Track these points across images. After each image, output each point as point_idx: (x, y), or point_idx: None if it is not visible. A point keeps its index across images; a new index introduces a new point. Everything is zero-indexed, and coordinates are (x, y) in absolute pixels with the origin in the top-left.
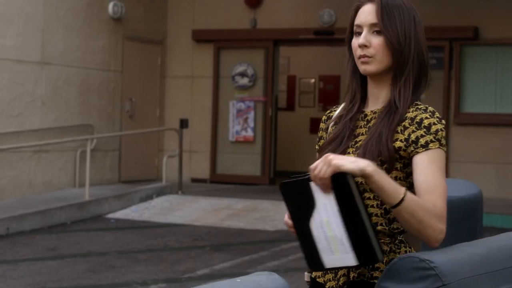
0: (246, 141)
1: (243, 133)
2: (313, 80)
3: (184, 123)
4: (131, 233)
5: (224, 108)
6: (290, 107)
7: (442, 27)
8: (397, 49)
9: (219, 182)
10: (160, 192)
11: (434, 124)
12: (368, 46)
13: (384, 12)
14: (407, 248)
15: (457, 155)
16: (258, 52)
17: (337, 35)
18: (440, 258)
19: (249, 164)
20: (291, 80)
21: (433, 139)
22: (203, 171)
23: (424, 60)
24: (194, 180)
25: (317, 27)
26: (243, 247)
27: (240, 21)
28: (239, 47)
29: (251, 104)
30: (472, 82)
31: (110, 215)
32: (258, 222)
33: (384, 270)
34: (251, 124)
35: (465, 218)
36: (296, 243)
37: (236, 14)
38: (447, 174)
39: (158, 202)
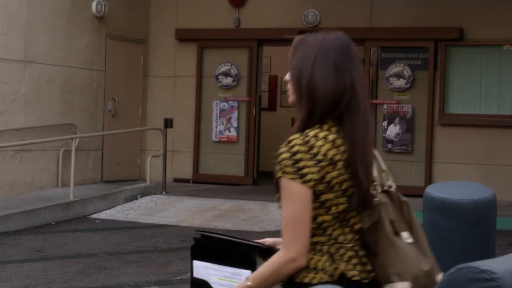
0: (230, 141)
1: (227, 133)
2: None
3: (168, 123)
4: (119, 234)
5: (208, 108)
6: (271, 107)
7: (427, 28)
8: (295, 84)
9: (202, 182)
10: (145, 192)
11: (281, 153)
12: (287, 81)
13: (293, 50)
14: None
15: (442, 156)
16: (242, 52)
17: None
18: (499, 268)
19: (233, 164)
20: (273, 80)
21: (278, 169)
22: (186, 171)
23: (316, 95)
24: (177, 180)
25: (302, 27)
26: None
27: (224, 20)
28: (223, 46)
29: (235, 104)
30: (457, 83)
31: (95, 216)
32: (245, 223)
33: (440, 281)
34: (235, 124)
35: (479, 222)
36: None
37: (220, 14)
38: (432, 175)
39: (143, 202)
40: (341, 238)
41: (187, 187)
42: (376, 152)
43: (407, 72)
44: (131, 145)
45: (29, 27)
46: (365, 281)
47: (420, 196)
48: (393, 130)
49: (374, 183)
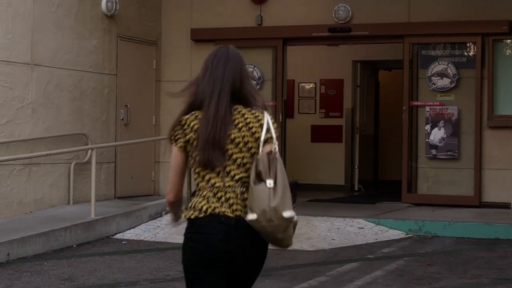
0: None
1: None
2: (313, 85)
3: None
4: (153, 257)
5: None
6: (289, 114)
7: (472, 21)
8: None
9: None
10: None
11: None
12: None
13: None
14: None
15: (492, 162)
16: (265, 52)
17: (354, 32)
18: None
19: None
20: (290, 85)
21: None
22: None
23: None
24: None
25: (332, 23)
26: (292, 271)
27: (245, 18)
28: (244, 47)
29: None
30: (507, 81)
31: (119, 236)
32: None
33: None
34: None
35: None
36: (351, 265)
37: (240, 11)
38: (482, 183)
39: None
40: (218, 184)
41: None
42: (267, 120)
43: (451, 70)
44: (144, 156)
45: (36, 26)
46: (230, 215)
47: (471, 206)
48: (437, 135)
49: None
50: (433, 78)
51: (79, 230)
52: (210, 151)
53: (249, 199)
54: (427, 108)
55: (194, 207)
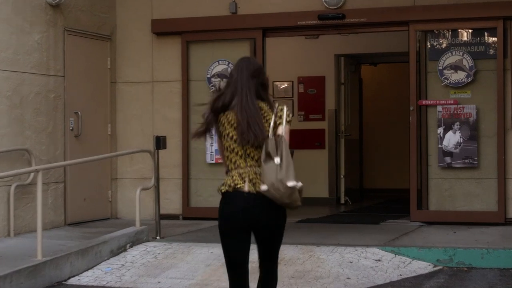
0: None
1: None
2: (290, 83)
3: (160, 142)
4: None
5: (198, 121)
6: None
7: (492, 3)
8: None
9: (196, 218)
10: (135, 240)
11: None
12: None
13: None
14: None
15: None
16: (242, 46)
17: (349, 19)
18: None
19: None
20: None
21: None
22: (173, 204)
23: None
24: (163, 217)
25: (322, 9)
26: None
27: (216, 5)
28: (216, 39)
29: None
30: None
31: (74, 280)
32: (297, 282)
33: None
34: None
35: None
36: None
37: None
38: (507, 196)
39: (136, 255)
40: (242, 165)
41: (184, 226)
42: (279, 109)
43: (467, 62)
44: (99, 173)
45: None
46: (251, 189)
47: (494, 224)
48: (452, 139)
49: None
50: (445, 71)
51: (22, 277)
52: (247, 135)
53: (262, 174)
54: (439, 108)
55: (225, 184)
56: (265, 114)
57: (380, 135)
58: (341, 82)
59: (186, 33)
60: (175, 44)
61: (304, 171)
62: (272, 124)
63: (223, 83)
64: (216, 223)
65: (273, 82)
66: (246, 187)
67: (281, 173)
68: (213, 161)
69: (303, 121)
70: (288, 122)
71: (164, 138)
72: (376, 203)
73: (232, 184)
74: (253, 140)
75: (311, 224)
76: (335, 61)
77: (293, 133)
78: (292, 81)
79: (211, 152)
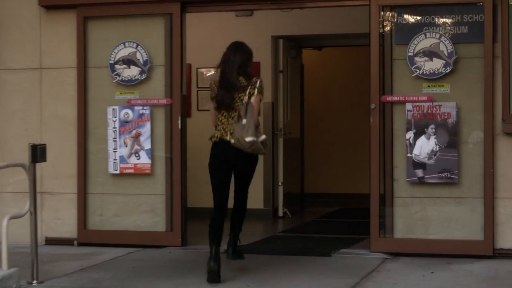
0: (139, 174)
1: (133, 160)
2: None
3: (37, 153)
4: None
5: (99, 119)
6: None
7: None
8: None
9: (96, 244)
10: None
11: None
12: None
13: None
14: None
15: (510, 186)
16: (154, 23)
17: None
18: None
19: (146, 212)
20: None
21: None
22: (67, 226)
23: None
24: (52, 241)
25: None
26: None
27: None
28: (122, 15)
29: (146, 110)
30: None
31: None
32: None
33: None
34: (146, 144)
35: None
36: None
37: None
38: (495, 220)
39: None
40: (225, 122)
41: (78, 259)
42: (255, 82)
43: (445, 47)
44: None
45: None
46: (229, 139)
47: (479, 257)
48: (425, 147)
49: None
50: (416, 59)
51: None
52: (223, 101)
53: (233, 131)
54: (409, 106)
55: (214, 136)
56: (245, 87)
57: (326, 133)
58: (279, 70)
59: (83, 6)
60: (70, 20)
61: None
62: (247, 93)
63: (216, 75)
64: (122, 251)
65: (197, 68)
66: (228, 138)
67: (243, 131)
68: (117, 171)
69: None
70: (259, 92)
71: (43, 147)
72: (321, 215)
73: (219, 135)
74: (226, 107)
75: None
76: (272, 44)
77: None
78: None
79: (115, 159)
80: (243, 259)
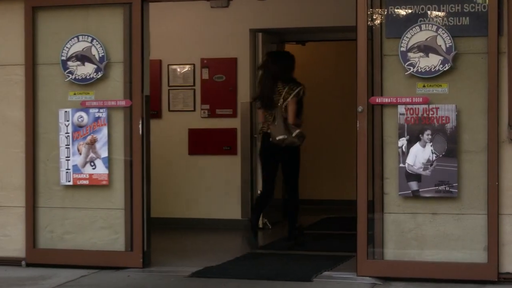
0: (95, 185)
1: (88, 169)
2: (191, 67)
3: None
4: None
5: (50, 124)
6: (154, 112)
7: None
8: None
9: (47, 265)
10: None
11: None
12: None
13: None
14: None
15: None
16: (112, 14)
17: None
18: None
19: (103, 228)
20: (154, 68)
21: None
22: (13, 244)
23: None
24: None
25: None
26: None
27: None
28: (75, 5)
29: (102, 113)
30: None
31: None
32: None
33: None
34: (103, 152)
35: None
36: None
37: None
38: (501, 240)
39: None
40: (268, 120)
41: (21, 284)
42: (292, 89)
43: (443, 41)
44: None
45: None
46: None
47: (482, 282)
48: (419, 156)
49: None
50: (410, 55)
51: None
52: (263, 104)
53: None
54: (401, 109)
55: (261, 130)
56: (281, 92)
57: (310, 136)
58: (258, 67)
59: None
60: (16, 11)
61: (210, 184)
62: (282, 97)
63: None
64: (75, 274)
65: (168, 65)
66: (271, 132)
67: (275, 131)
68: (70, 182)
69: (207, 117)
70: (292, 97)
71: None
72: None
73: (265, 130)
74: (266, 108)
75: (206, 281)
76: (250, 38)
77: (194, 133)
78: (194, 64)
79: (67, 169)
80: (300, 246)
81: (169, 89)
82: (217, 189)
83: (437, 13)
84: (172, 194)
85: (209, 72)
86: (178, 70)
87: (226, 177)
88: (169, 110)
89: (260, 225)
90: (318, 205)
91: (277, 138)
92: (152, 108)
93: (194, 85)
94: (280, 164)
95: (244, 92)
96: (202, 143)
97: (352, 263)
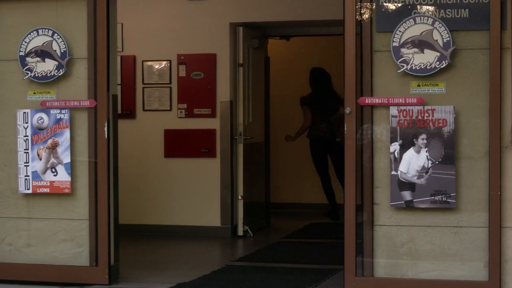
0: (57, 193)
1: (49, 176)
2: (167, 64)
3: None
4: None
5: (7, 126)
6: (127, 111)
7: None
8: None
9: (4, 281)
10: None
11: None
12: None
13: None
14: None
15: None
16: (74, 6)
17: None
18: None
19: (65, 241)
20: (128, 65)
21: None
22: None
23: None
24: None
25: None
26: None
27: None
28: None
29: (64, 114)
30: None
31: None
32: None
33: None
34: (65, 157)
35: None
36: None
37: None
38: (503, 256)
39: None
40: (323, 126)
41: None
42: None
43: (440, 35)
44: None
45: None
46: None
47: None
48: (413, 162)
49: None
50: (404, 50)
51: None
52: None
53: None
54: (393, 111)
55: (314, 133)
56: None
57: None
58: (239, 63)
59: None
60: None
61: (187, 189)
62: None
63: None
64: None
65: (142, 61)
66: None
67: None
68: (30, 190)
69: (184, 117)
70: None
71: None
72: (289, 233)
73: (316, 134)
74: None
75: None
76: (230, 33)
77: (171, 134)
78: (170, 61)
79: (26, 175)
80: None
81: (143, 87)
82: (194, 194)
83: (433, 4)
84: (146, 200)
85: (186, 69)
86: (154, 66)
87: (204, 181)
88: (144, 110)
89: (241, 233)
90: (302, 208)
91: (338, 139)
92: (125, 107)
93: (170, 82)
94: (330, 158)
95: (223, 90)
96: (179, 145)
97: (339, 278)
